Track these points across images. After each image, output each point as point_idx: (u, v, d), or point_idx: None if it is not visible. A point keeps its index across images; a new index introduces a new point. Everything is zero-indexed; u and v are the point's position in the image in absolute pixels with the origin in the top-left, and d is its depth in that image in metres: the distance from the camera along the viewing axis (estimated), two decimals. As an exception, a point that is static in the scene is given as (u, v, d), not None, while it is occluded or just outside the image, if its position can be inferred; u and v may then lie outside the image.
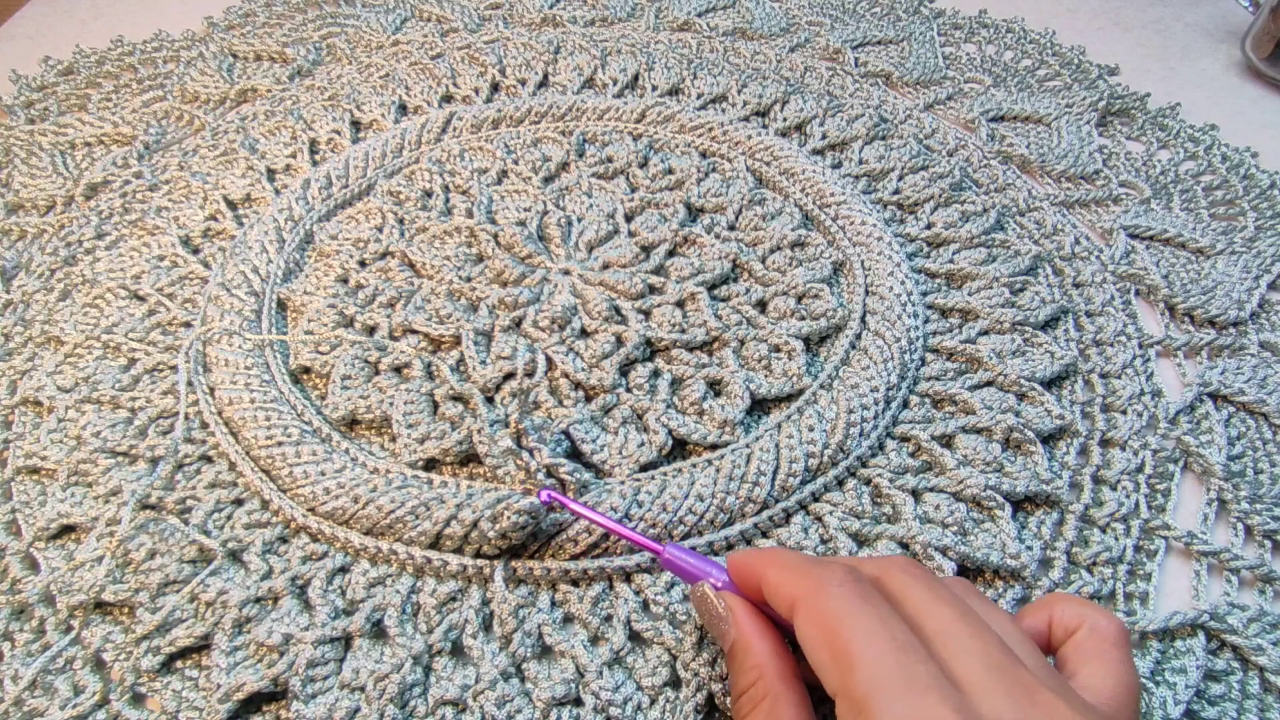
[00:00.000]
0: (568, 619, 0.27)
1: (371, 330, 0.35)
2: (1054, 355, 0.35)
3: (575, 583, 0.27)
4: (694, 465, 0.30)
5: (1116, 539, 0.29)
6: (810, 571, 0.20)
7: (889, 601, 0.19)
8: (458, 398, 0.32)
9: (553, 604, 0.27)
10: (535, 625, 0.26)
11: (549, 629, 0.26)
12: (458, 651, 0.26)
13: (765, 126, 0.48)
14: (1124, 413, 0.34)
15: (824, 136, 0.46)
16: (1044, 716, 0.17)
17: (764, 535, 0.29)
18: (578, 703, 0.25)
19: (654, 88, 0.50)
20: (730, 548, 0.29)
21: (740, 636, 0.21)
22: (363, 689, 0.24)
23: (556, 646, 0.26)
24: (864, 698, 0.17)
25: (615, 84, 0.50)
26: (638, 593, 0.27)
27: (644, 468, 0.30)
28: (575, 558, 0.27)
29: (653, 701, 0.24)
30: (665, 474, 0.29)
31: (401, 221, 0.41)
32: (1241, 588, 0.29)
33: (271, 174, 0.44)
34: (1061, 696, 0.17)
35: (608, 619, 0.26)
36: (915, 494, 0.30)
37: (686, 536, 0.28)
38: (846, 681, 0.18)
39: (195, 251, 0.40)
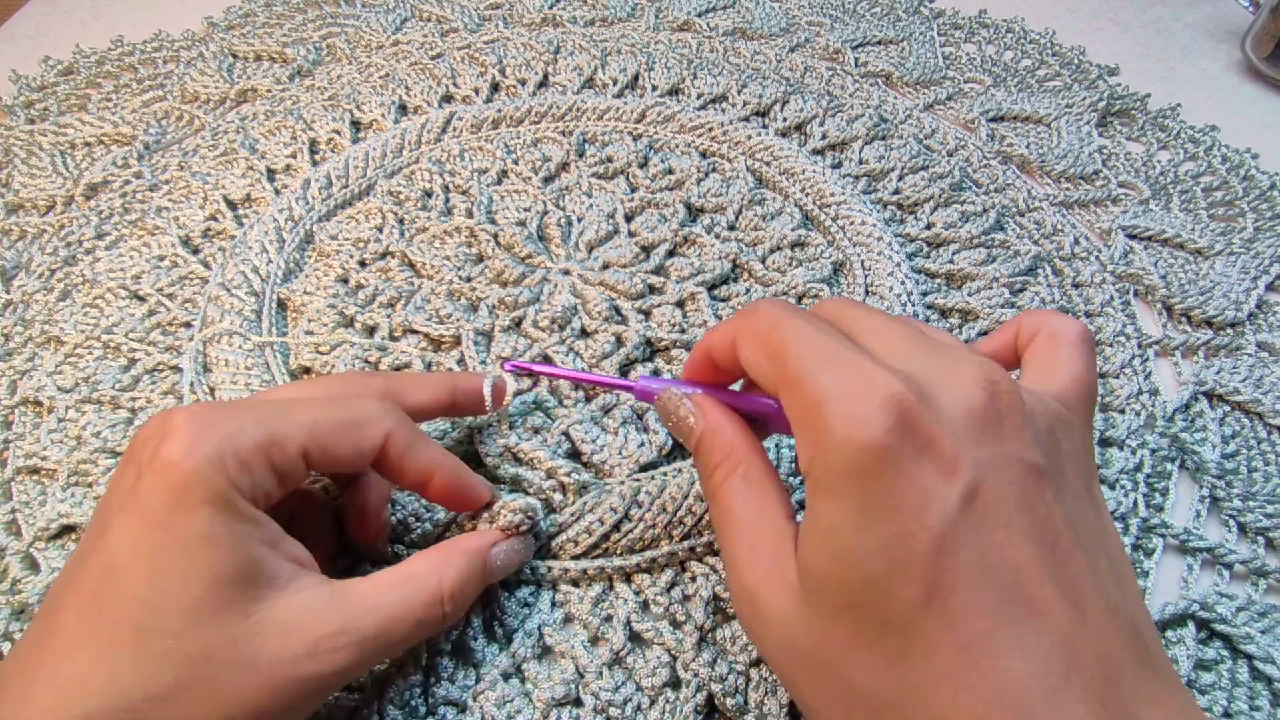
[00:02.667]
0: (568, 619, 0.27)
1: (371, 330, 0.35)
2: (1053, 355, 0.35)
3: (575, 583, 0.27)
4: (694, 464, 0.30)
5: (1115, 539, 0.30)
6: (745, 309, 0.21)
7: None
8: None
9: (553, 604, 0.27)
10: (536, 625, 0.26)
11: (549, 629, 0.26)
12: (458, 651, 0.26)
13: (765, 126, 0.48)
14: (1122, 412, 0.34)
15: (824, 136, 0.47)
16: (949, 360, 0.18)
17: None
18: (578, 703, 0.25)
19: (654, 88, 0.50)
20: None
21: (709, 422, 0.22)
22: (362, 689, 0.24)
23: (557, 647, 0.26)
24: (797, 377, 0.18)
25: (615, 84, 0.50)
26: (638, 593, 0.27)
27: (644, 468, 0.30)
28: (576, 558, 0.27)
29: (652, 702, 0.25)
30: (665, 473, 0.30)
31: (401, 221, 0.41)
32: (1233, 582, 0.29)
33: (271, 174, 0.44)
34: (969, 350, 0.19)
35: (608, 619, 0.26)
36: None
37: (686, 537, 0.28)
38: (782, 373, 0.18)
39: (195, 251, 0.40)
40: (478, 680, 0.25)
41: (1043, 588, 0.15)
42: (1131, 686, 0.15)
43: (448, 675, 0.25)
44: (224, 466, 0.19)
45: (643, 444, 0.30)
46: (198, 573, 0.19)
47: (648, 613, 0.26)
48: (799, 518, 0.19)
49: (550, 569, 0.27)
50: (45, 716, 0.17)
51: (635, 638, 0.26)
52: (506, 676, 0.25)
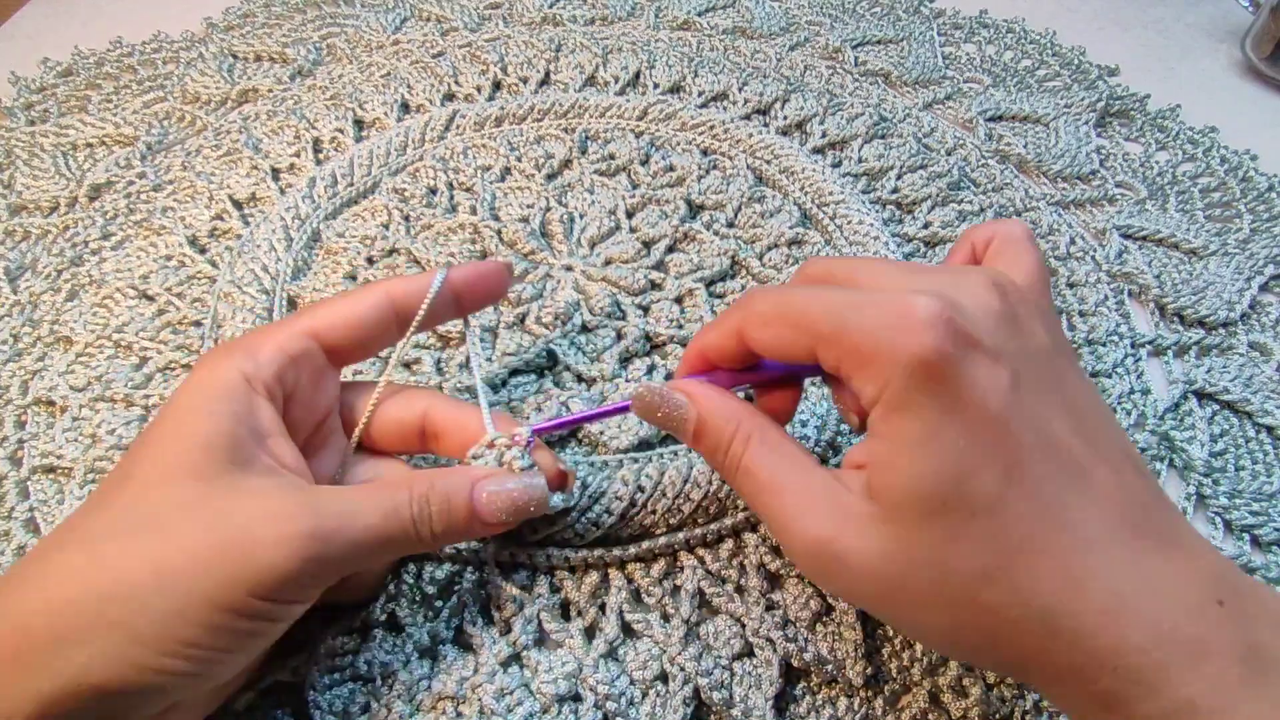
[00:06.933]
0: (565, 606, 0.27)
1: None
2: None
3: (573, 569, 0.28)
4: (691, 452, 0.30)
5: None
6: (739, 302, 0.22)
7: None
8: (466, 390, 0.33)
9: (551, 589, 0.27)
10: (534, 612, 0.27)
11: (547, 616, 0.26)
12: (460, 640, 0.26)
13: (766, 125, 0.48)
14: (1114, 411, 0.34)
15: (824, 135, 0.47)
16: (952, 276, 0.20)
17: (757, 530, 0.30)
18: (577, 698, 0.25)
19: (655, 86, 0.51)
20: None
21: (703, 403, 0.22)
22: (373, 680, 0.25)
23: (554, 635, 0.26)
24: (836, 331, 0.19)
25: (616, 82, 0.51)
26: (630, 580, 0.28)
27: (640, 444, 0.31)
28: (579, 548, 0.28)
29: (644, 695, 0.25)
30: (661, 455, 0.30)
31: (407, 219, 0.41)
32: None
33: (276, 173, 0.44)
34: (958, 266, 0.22)
35: (603, 608, 0.27)
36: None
37: (680, 527, 0.29)
38: (818, 335, 0.20)
39: (202, 251, 0.40)
40: (476, 670, 0.25)
41: (1083, 453, 0.18)
42: (1159, 517, 0.19)
43: (445, 668, 0.25)
44: (230, 354, 0.23)
45: (642, 422, 0.31)
46: (177, 437, 0.21)
47: (639, 603, 0.27)
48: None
49: (549, 556, 0.28)
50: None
51: (626, 629, 0.27)
52: (506, 665, 0.25)
